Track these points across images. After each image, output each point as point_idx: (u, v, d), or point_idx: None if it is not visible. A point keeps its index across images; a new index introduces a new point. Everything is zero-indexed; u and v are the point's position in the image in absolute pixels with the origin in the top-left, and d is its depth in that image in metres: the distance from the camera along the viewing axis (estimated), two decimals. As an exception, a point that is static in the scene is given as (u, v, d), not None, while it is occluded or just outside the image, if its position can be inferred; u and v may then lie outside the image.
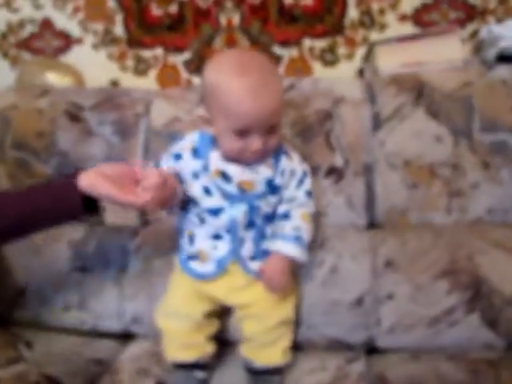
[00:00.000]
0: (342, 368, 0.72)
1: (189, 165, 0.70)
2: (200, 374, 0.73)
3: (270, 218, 0.73)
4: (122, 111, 0.97)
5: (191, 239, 0.74)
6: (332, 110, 0.90)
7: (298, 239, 0.70)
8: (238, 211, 0.69)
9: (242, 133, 0.62)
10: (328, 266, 0.80)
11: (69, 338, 0.85)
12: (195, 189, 0.70)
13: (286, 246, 0.70)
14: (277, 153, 0.71)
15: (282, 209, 0.73)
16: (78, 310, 0.86)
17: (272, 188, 0.71)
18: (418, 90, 0.89)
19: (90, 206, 0.65)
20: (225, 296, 0.73)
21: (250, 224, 0.71)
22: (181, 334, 0.72)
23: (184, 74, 1.24)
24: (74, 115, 0.98)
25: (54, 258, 0.89)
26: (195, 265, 0.73)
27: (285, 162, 0.72)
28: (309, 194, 0.75)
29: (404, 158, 0.87)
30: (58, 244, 0.90)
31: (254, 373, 0.72)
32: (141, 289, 0.84)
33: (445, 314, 0.76)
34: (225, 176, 0.68)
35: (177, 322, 0.73)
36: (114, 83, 1.26)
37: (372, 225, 0.90)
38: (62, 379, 0.70)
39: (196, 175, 0.70)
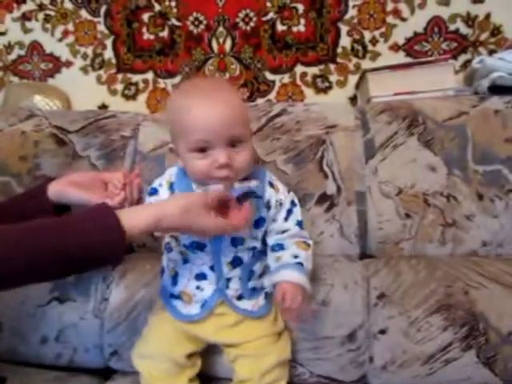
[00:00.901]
0: (334, 410, 0.68)
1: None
2: None
3: (259, 253, 0.70)
4: (109, 134, 0.95)
5: (174, 279, 0.70)
6: (325, 137, 0.89)
7: (299, 267, 0.65)
8: (221, 245, 0.66)
9: (203, 149, 0.60)
10: (319, 298, 0.76)
11: (45, 374, 0.80)
12: None
13: (291, 274, 0.64)
14: (260, 183, 0.67)
15: (272, 241, 0.69)
16: (56, 342, 0.81)
17: (255, 222, 0.67)
18: (411, 118, 0.88)
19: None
20: (213, 336, 0.68)
21: (236, 261, 0.67)
22: (161, 378, 0.66)
23: (175, 98, 1.23)
24: (60, 139, 0.96)
25: (32, 288, 0.84)
26: (179, 305, 0.69)
27: (270, 193, 0.68)
28: (300, 223, 0.70)
29: (397, 186, 0.85)
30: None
31: None
32: (122, 321, 0.79)
33: (440, 351, 0.72)
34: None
35: (156, 364, 0.67)
36: (103, 107, 1.25)
37: (365, 254, 0.87)
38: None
39: None
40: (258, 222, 0.67)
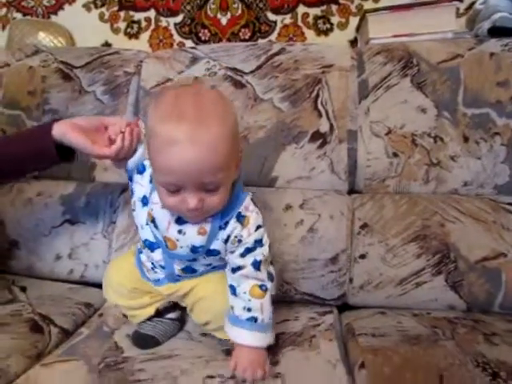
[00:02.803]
0: (314, 319, 0.77)
1: (143, 187, 0.63)
2: (173, 315, 0.72)
3: (216, 267, 0.66)
4: (113, 71, 0.98)
5: (139, 250, 0.70)
6: (321, 76, 0.91)
7: (251, 324, 0.59)
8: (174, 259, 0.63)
9: (173, 189, 0.53)
10: (307, 226, 0.84)
11: (60, 285, 0.90)
12: (140, 215, 0.64)
13: (241, 335, 0.59)
14: (226, 216, 0.59)
15: (228, 279, 0.63)
16: (69, 259, 0.90)
17: (206, 252, 0.62)
18: (406, 60, 0.90)
19: (65, 155, 0.69)
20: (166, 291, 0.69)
21: (189, 270, 0.65)
22: (125, 305, 0.71)
23: (176, 37, 1.24)
24: (66, 74, 1.00)
25: (46, 212, 0.92)
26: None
27: (232, 227, 0.59)
28: (257, 264, 0.60)
29: (387, 126, 0.89)
30: (50, 198, 0.94)
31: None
32: (127, 242, 0.88)
33: (412, 275, 0.80)
34: (154, 223, 0.61)
35: (117, 295, 0.70)
36: (106, 45, 1.27)
37: (353, 190, 0.93)
38: (54, 318, 0.74)
39: (144, 201, 0.63)
40: (212, 251, 0.62)
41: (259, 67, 0.94)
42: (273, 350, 0.64)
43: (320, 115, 0.91)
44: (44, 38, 1.19)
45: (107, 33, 1.25)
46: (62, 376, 0.58)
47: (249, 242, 0.60)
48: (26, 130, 0.79)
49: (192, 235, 0.59)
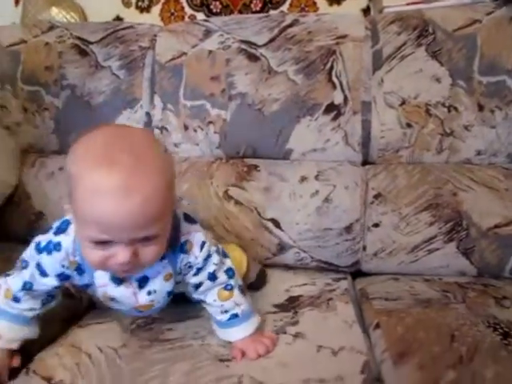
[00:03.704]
0: (330, 284, 0.80)
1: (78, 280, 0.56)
2: None
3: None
4: (128, 45, 0.99)
5: None
6: (335, 47, 0.91)
7: (234, 319, 0.59)
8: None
9: (100, 243, 0.47)
10: (322, 196, 0.86)
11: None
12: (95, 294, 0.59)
13: (231, 334, 0.60)
14: (173, 254, 0.56)
15: (194, 295, 0.62)
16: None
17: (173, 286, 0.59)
18: (421, 29, 0.90)
19: None
20: None
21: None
22: None
23: (188, 10, 1.23)
24: (82, 49, 1.01)
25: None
26: None
27: (180, 260, 0.57)
28: (213, 276, 0.59)
29: (401, 96, 0.90)
30: (72, 172, 0.97)
31: None
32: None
33: (424, 242, 0.83)
34: (115, 300, 0.58)
35: None
36: (118, 19, 1.27)
37: (366, 162, 0.95)
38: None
39: (88, 287, 0.58)
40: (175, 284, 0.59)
41: (272, 40, 0.94)
42: (293, 311, 0.69)
43: (334, 87, 0.91)
44: (57, 14, 1.20)
45: (119, 7, 1.25)
46: (99, 335, 0.62)
47: (198, 262, 0.57)
48: None
49: (162, 286, 0.56)
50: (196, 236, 0.57)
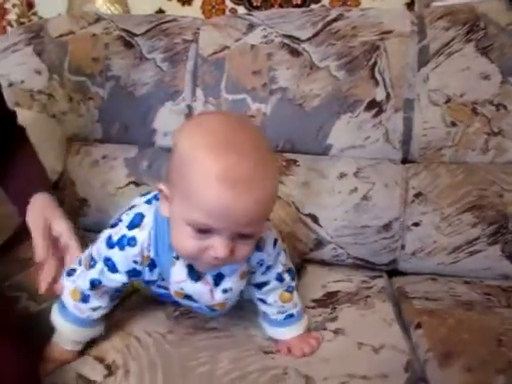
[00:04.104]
0: (366, 282, 0.80)
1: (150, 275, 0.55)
2: None
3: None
4: (172, 38, 1.01)
5: None
6: (379, 43, 0.90)
7: (289, 319, 0.60)
8: None
9: (202, 231, 0.45)
10: (361, 193, 0.86)
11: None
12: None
13: (283, 333, 0.60)
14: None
15: (256, 293, 0.61)
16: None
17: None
18: (471, 23, 0.87)
19: None
20: None
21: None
22: None
23: (228, 3, 1.24)
24: (127, 41, 1.03)
25: (111, 173, 0.99)
26: None
27: (256, 257, 0.56)
28: (280, 277, 0.59)
29: (447, 94, 0.88)
30: (115, 161, 1.00)
31: None
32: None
33: (467, 243, 0.81)
34: (191, 298, 0.57)
35: None
36: (160, 11, 1.29)
37: (406, 160, 0.93)
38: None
39: (159, 285, 0.58)
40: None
41: (316, 34, 0.93)
42: (331, 306, 0.70)
43: (377, 83, 0.90)
44: (101, 5, 1.23)
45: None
46: (145, 320, 0.64)
47: (270, 260, 0.57)
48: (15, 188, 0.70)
49: (237, 284, 0.56)
50: (269, 233, 0.56)
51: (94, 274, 0.54)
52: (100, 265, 0.53)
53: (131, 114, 1.02)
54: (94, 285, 0.54)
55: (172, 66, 1.00)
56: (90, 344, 0.59)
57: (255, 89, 0.95)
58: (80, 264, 0.56)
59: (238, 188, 0.42)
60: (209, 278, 0.54)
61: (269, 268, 0.58)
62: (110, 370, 0.55)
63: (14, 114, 0.75)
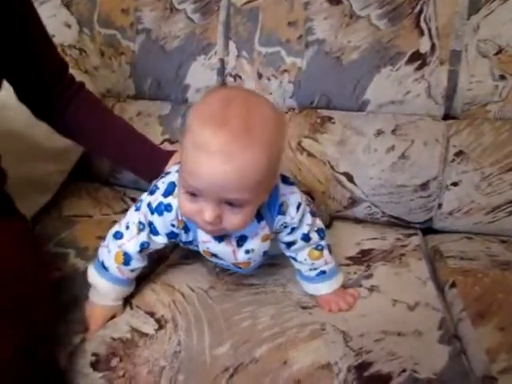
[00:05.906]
0: (401, 240, 0.81)
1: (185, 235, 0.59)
2: None
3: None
4: (203, -12, 0.96)
5: None
6: (426, -12, 0.83)
7: (322, 276, 0.62)
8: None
9: (193, 194, 0.49)
10: (399, 152, 0.84)
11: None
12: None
13: (317, 288, 0.63)
14: (271, 216, 0.57)
15: (285, 251, 0.64)
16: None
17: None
18: (531, -36, 0.79)
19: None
20: None
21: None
22: None
23: None
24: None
25: (146, 130, 0.99)
26: None
27: (279, 221, 0.58)
28: (307, 237, 0.61)
29: (498, 44, 0.82)
30: (149, 118, 1.01)
31: None
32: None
33: (507, 203, 0.80)
34: (217, 256, 0.60)
35: None
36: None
37: (448, 116, 0.90)
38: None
39: (191, 243, 0.61)
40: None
41: (357, -22, 0.87)
42: (366, 264, 0.71)
43: (421, 33, 0.85)
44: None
45: None
46: (188, 275, 0.68)
47: (294, 222, 0.59)
48: (149, 146, 0.76)
49: (259, 246, 0.58)
50: (292, 197, 0.58)
51: (143, 237, 0.58)
52: (147, 229, 0.58)
53: (163, 69, 1.01)
54: (143, 248, 0.59)
55: (203, 18, 0.96)
56: (139, 297, 0.63)
57: (290, 41, 0.91)
58: (127, 228, 0.59)
59: (210, 159, 0.45)
60: (232, 240, 0.57)
61: (294, 229, 0.60)
62: (160, 323, 0.59)
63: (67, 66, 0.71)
